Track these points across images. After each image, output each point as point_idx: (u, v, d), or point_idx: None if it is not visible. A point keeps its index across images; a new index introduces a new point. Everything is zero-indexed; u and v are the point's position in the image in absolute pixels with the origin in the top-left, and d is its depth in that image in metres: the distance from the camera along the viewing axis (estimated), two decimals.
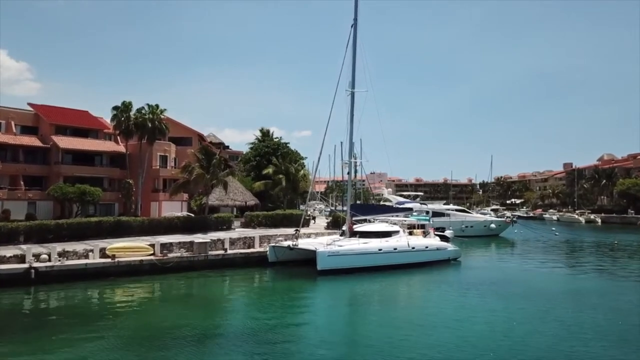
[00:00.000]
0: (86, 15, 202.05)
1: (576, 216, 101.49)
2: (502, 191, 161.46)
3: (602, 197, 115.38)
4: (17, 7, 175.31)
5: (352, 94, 34.05)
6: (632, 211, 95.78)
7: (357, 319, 21.18)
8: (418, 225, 40.01)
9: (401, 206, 42.55)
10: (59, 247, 27.73)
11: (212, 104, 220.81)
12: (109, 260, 27.75)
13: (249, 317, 20.84)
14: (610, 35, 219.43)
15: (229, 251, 32.51)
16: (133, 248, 29.29)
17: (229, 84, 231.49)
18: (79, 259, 27.58)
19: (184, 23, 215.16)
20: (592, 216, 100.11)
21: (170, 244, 31.22)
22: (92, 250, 28.02)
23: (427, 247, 34.16)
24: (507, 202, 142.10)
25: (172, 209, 51.38)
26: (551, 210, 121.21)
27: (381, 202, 58.90)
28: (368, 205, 42.54)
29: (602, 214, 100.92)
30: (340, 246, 30.37)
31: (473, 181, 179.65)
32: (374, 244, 31.52)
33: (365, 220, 37.75)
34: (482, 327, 18.40)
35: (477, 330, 17.97)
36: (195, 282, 28.28)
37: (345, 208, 45.37)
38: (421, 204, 54.99)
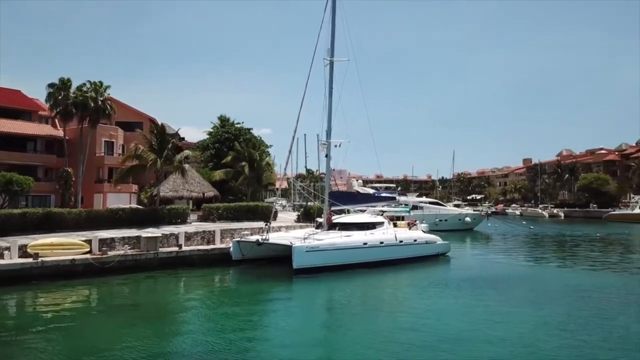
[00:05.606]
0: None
1: (539, 210, 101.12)
2: (463, 187, 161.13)
3: (563, 191, 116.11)
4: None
5: (331, 64, 29.37)
6: (595, 205, 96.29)
7: (346, 331, 16.21)
8: (397, 217, 35.96)
9: (384, 195, 38.46)
10: None
11: (167, 101, 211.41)
12: (30, 260, 22.02)
13: (208, 329, 15.97)
14: (576, 35, 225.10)
15: (184, 248, 27.31)
16: (63, 245, 23.56)
17: (184, 81, 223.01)
18: None
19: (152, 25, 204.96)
20: (555, 210, 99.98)
21: (112, 239, 25.66)
22: (8, 248, 22.19)
23: (415, 241, 29.96)
24: (468, 197, 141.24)
25: (119, 201, 45.39)
26: (514, 205, 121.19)
27: None
28: (348, 193, 37.87)
29: (565, 208, 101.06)
30: (320, 240, 25.62)
31: (433, 177, 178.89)
32: (357, 237, 26.99)
33: (342, 212, 33.32)
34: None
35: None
36: (142, 286, 23.02)
37: (314, 201, 40.94)
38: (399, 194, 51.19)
